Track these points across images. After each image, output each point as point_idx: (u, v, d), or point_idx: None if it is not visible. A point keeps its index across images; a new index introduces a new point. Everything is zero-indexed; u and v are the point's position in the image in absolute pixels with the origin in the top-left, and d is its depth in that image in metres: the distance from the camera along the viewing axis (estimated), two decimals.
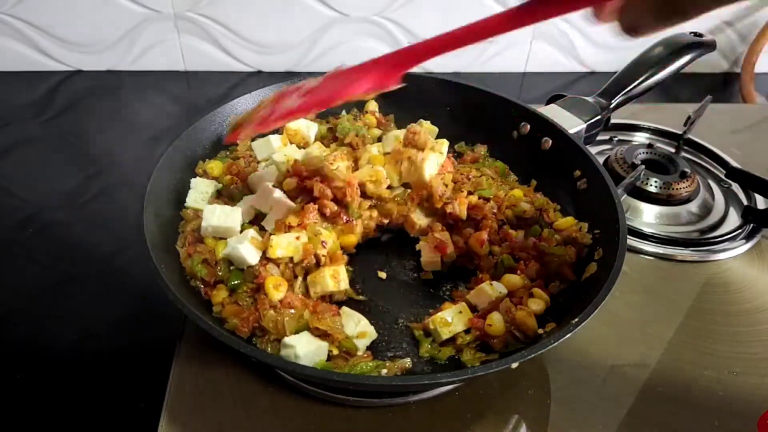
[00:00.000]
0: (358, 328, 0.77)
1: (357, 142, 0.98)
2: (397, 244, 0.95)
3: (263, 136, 0.98)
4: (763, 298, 0.94)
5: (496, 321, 0.76)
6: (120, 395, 0.88)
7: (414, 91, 1.11)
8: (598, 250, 0.83)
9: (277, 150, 0.97)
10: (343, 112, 1.10)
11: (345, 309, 0.80)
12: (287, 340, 0.73)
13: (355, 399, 0.75)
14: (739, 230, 1.07)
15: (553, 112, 1.04)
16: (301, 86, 0.76)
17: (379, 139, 1.05)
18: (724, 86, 1.72)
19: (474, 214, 0.93)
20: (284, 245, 0.80)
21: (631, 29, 0.55)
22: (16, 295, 1.04)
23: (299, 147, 1.01)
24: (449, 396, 0.77)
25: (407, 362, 0.75)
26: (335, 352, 0.75)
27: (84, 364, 0.93)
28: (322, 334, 0.75)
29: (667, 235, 1.04)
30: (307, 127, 1.03)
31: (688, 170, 1.11)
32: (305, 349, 0.72)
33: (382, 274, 0.90)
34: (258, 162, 0.99)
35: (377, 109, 1.11)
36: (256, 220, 0.88)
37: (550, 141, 0.99)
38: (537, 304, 0.79)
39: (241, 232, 0.84)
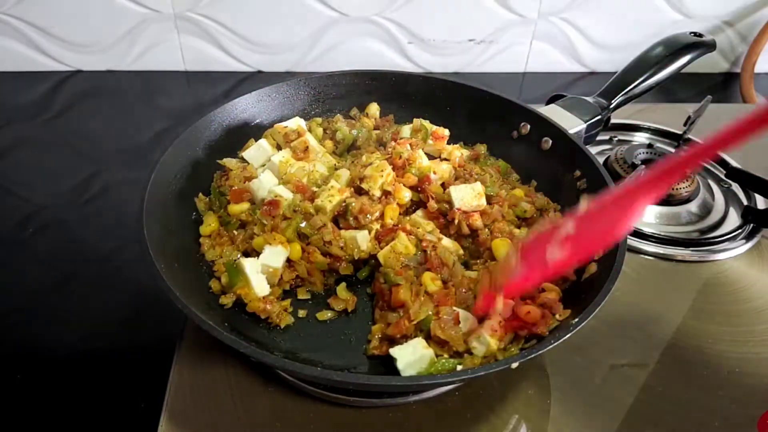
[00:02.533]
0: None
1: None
2: None
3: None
4: (763, 298, 0.94)
5: (531, 309, 0.74)
6: (120, 395, 0.88)
7: (414, 91, 1.12)
8: None
9: (273, 152, 0.97)
10: (338, 115, 1.10)
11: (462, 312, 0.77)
12: (391, 351, 0.72)
13: (355, 399, 0.75)
14: (739, 230, 1.07)
15: (553, 112, 1.04)
16: (555, 231, 0.69)
17: (379, 142, 1.05)
18: (724, 86, 1.72)
19: (484, 221, 0.92)
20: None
21: None
22: (16, 295, 1.04)
23: (296, 152, 0.99)
24: (449, 396, 0.77)
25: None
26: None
27: (84, 364, 0.93)
28: (440, 342, 0.74)
29: (667, 235, 1.04)
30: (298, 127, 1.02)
31: None
32: (406, 360, 0.71)
33: None
34: (256, 169, 0.98)
35: (378, 113, 1.11)
36: None
37: (550, 141, 0.99)
38: (551, 293, 0.79)
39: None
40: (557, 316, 0.76)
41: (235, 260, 0.81)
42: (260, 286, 0.80)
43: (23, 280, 1.06)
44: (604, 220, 0.65)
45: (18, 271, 1.08)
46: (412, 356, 0.71)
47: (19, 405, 0.87)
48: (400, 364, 0.71)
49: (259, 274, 0.80)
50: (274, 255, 0.82)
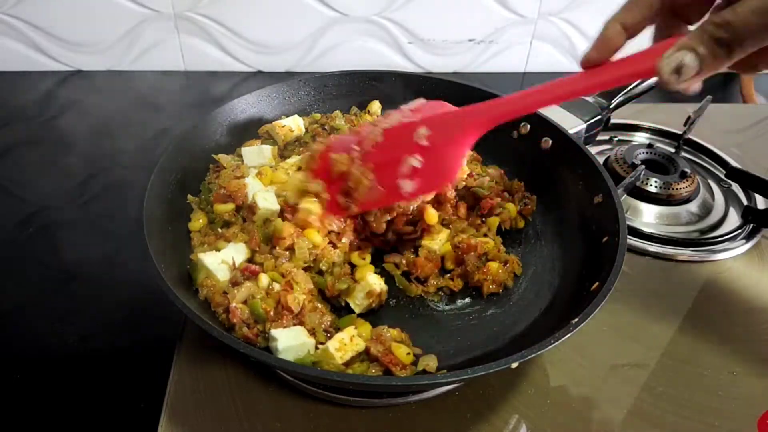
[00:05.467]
0: None
1: None
2: None
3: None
4: (763, 298, 0.94)
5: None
6: (120, 395, 0.88)
7: (414, 92, 1.11)
8: None
9: (271, 162, 0.97)
10: (338, 111, 1.10)
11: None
12: (273, 332, 0.73)
13: (355, 399, 0.75)
14: (739, 230, 1.07)
15: (553, 112, 1.04)
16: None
17: None
18: (724, 86, 1.72)
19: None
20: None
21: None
22: (16, 295, 1.04)
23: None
24: (449, 396, 0.77)
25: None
26: None
27: (84, 364, 0.93)
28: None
29: (667, 235, 1.04)
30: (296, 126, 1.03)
31: (688, 170, 1.11)
32: (286, 343, 0.72)
33: None
34: (249, 168, 0.97)
35: (380, 111, 1.11)
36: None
37: (550, 141, 0.99)
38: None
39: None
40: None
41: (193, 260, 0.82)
42: (224, 275, 0.80)
43: (23, 280, 1.06)
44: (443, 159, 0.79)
45: (18, 271, 1.08)
46: (294, 341, 0.72)
47: (18, 405, 0.87)
48: (280, 345, 0.71)
49: (221, 264, 0.81)
50: (235, 252, 0.82)
